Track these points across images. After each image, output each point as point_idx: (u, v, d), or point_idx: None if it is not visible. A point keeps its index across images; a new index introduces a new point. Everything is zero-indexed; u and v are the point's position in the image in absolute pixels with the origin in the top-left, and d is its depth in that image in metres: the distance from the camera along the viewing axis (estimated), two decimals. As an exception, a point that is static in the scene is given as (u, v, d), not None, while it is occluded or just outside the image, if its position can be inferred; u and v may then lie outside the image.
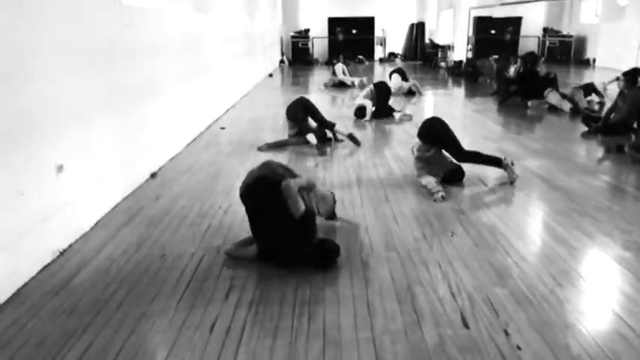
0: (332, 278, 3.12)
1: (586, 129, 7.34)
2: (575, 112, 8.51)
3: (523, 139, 7.00)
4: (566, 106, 8.67)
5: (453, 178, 5.04)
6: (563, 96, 8.88)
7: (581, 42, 20.27)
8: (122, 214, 4.23)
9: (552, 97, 8.97)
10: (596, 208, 4.31)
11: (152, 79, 5.47)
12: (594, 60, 18.84)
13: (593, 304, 2.85)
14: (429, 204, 4.44)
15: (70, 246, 3.62)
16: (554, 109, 8.97)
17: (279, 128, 7.73)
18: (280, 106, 10.26)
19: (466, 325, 2.63)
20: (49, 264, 3.37)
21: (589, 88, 9.56)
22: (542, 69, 10.50)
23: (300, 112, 6.69)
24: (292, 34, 21.87)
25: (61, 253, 3.51)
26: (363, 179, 5.16)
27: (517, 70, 11.32)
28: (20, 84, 3.16)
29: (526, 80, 10.12)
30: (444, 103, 11.09)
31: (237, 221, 4.02)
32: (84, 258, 3.45)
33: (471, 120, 8.39)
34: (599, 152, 6.41)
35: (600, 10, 18.88)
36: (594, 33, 19.26)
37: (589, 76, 14.51)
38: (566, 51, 20.31)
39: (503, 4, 14.41)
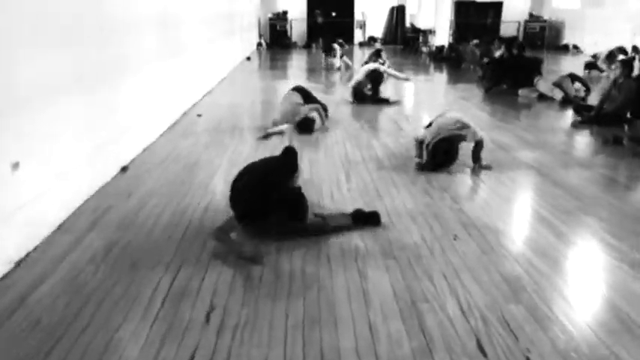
0: (327, 294, 2.78)
1: (578, 118, 7.11)
2: (566, 101, 8.27)
3: (514, 128, 6.72)
4: (558, 94, 8.42)
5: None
6: (554, 84, 8.62)
7: (558, 27, 20.12)
8: (88, 214, 3.80)
9: (543, 85, 8.71)
10: (601, 205, 4.05)
11: (123, 59, 5.00)
12: (574, 46, 18.70)
13: (618, 319, 2.56)
14: (425, 201, 4.12)
15: (27, 255, 3.20)
16: (543, 98, 8.71)
17: (257, 116, 7.33)
18: (259, 91, 9.85)
19: (483, 352, 2.31)
20: (2, 277, 2.95)
21: (573, 77, 9.31)
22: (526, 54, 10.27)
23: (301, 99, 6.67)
24: (270, 15, 21.23)
25: (18, 264, 3.09)
26: (352, 173, 4.81)
27: (501, 56, 11.06)
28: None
29: (513, 66, 9.86)
30: (427, 89, 10.76)
31: (219, 219, 3.63)
32: (44, 269, 3.03)
33: (457, 107, 8.06)
34: (594, 143, 6.16)
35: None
36: (573, 18, 19.13)
37: (572, 63, 14.33)
38: (544, 36, 20.17)
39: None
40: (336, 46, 13.42)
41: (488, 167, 4.98)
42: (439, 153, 4.85)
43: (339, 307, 2.65)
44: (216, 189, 4.34)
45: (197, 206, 3.94)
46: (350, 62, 13.30)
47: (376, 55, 11.12)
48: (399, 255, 3.21)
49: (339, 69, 12.89)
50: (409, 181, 4.63)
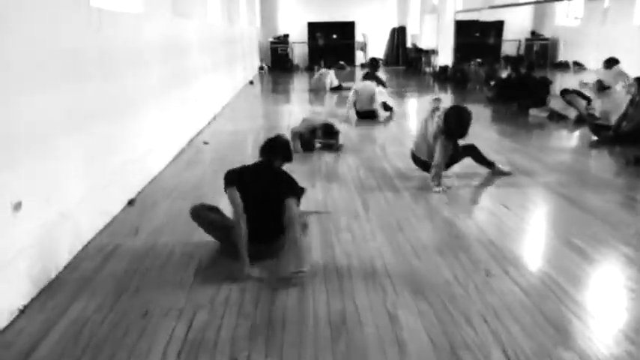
0: (357, 342, 2.53)
1: (595, 138, 6.91)
2: (580, 119, 8.07)
3: (531, 150, 6.51)
4: (572, 113, 8.22)
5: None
6: (567, 102, 8.42)
7: (557, 45, 20.07)
8: (95, 255, 3.56)
9: (555, 103, 8.50)
10: (634, 231, 3.82)
11: (126, 92, 4.82)
12: (576, 62, 18.60)
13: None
14: (450, 230, 3.90)
15: (32, 300, 2.96)
16: (553, 117, 8.51)
17: (261, 143, 7.11)
18: (262, 117, 9.66)
19: (540, 411, 2.06)
20: (4, 329, 2.71)
21: (577, 93, 9.08)
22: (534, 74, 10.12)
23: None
24: (271, 39, 21.24)
25: (21, 312, 2.86)
26: (369, 202, 4.59)
27: (508, 76, 10.92)
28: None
29: (521, 86, 9.71)
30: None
31: (233, 260, 3.40)
32: (48, 319, 2.79)
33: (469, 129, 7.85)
34: (615, 164, 5.95)
35: (583, 12, 18.71)
36: (575, 35, 19.08)
37: (576, 80, 14.18)
38: (546, 54, 20.10)
39: (491, 7, 14.00)
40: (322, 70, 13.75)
41: (507, 173, 4.87)
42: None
43: (372, 358, 2.41)
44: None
45: (206, 245, 3.69)
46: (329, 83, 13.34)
47: (373, 67, 10.98)
48: (430, 295, 2.97)
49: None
50: (429, 209, 4.41)
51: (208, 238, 3.69)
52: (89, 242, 3.75)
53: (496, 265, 3.35)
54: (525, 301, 2.90)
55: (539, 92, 9.18)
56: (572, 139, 7.46)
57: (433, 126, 5.09)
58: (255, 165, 3.56)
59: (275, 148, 3.58)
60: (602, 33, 16.92)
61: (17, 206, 2.92)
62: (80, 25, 3.89)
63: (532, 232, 4.00)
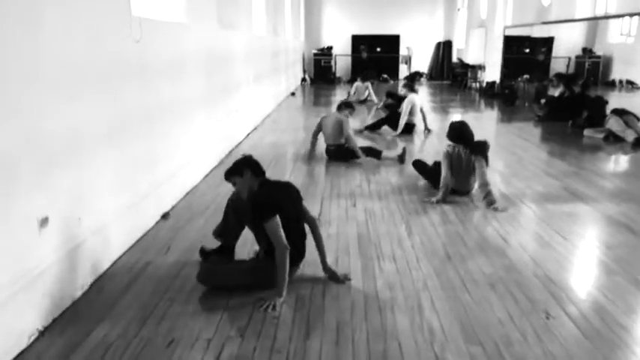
0: (402, 391, 2.26)
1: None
2: (639, 142, 7.57)
3: (588, 174, 6.09)
4: (630, 135, 7.73)
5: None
6: (626, 123, 7.92)
7: (608, 63, 19.26)
8: (123, 274, 3.39)
9: (614, 124, 7.99)
10: None
11: (165, 103, 4.68)
12: (622, 81, 17.81)
13: None
14: (503, 263, 3.57)
15: (53, 321, 2.80)
16: (609, 139, 8.02)
17: (301, 157, 6.92)
18: (302, 129, 9.45)
19: None
20: (24, 350, 2.55)
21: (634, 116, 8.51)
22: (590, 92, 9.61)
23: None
24: (315, 51, 21.16)
25: (41, 333, 2.70)
26: (413, 226, 4.31)
27: (561, 94, 10.45)
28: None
29: (577, 105, 9.24)
30: (479, 127, 10.21)
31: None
32: (68, 344, 2.61)
33: (521, 150, 7.47)
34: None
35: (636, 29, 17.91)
36: (623, 53, 18.28)
37: (630, 100, 13.52)
38: (597, 72, 19.31)
39: (544, 23, 13.51)
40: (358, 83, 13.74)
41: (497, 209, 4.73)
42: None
43: (419, 414, 2.13)
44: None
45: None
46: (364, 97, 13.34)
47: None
48: (484, 338, 2.67)
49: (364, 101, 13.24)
50: (479, 236, 4.10)
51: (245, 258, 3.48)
52: (118, 259, 3.59)
53: (555, 304, 3.02)
54: (589, 348, 2.58)
55: (595, 112, 8.69)
56: (631, 162, 6.99)
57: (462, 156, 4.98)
58: (283, 184, 3.40)
59: (243, 165, 3.21)
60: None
61: (44, 222, 2.78)
62: (121, 35, 3.76)
63: (593, 266, 3.63)
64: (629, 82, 17.88)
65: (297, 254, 3.21)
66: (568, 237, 4.14)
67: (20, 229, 2.60)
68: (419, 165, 5.72)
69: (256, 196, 3.13)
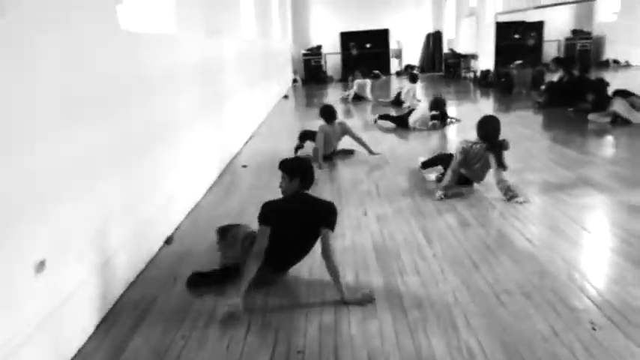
0: None
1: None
2: (648, 123, 7.38)
3: (602, 162, 5.89)
4: (638, 117, 7.52)
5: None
6: (632, 105, 7.72)
7: (599, 42, 19.13)
8: (127, 315, 3.11)
9: (619, 106, 7.77)
10: None
11: (161, 119, 4.43)
12: (615, 61, 17.72)
13: None
14: (535, 269, 3.35)
15: (58, 374, 2.56)
16: (616, 121, 7.80)
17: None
18: (296, 135, 9.12)
19: None
20: (26, 413, 2.31)
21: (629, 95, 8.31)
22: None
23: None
24: (304, 51, 20.90)
25: (46, 388, 2.45)
26: (431, 233, 4.08)
27: (560, 79, 10.25)
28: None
29: (578, 89, 9.04)
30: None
31: (284, 317, 2.94)
32: (76, 400, 2.38)
33: (526, 139, 7.25)
34: None
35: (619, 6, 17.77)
36: (612, 32, 18.21)
37: (623, 79, 13.32)
38: (588, 53, 19.17)
39: (537, 7, 13.29)
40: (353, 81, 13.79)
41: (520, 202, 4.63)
42: None
43: None
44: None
45: (253, 300, 3.20)
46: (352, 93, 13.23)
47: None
48: (528, 356, 2.44)
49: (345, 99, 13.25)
50: (502, 239, 3.88)
51: (255, 292, 3.24)
52: (121, 297, 3.32)
53: (599, 312, 2.80)
54: (649, 364, 2.36)
55: (598, 95, 8.48)
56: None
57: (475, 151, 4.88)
58: (291, 200, 3.27)
59: (301, 173, 3.27)
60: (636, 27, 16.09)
61: (41, 266, 2.53)
62: (113, 50, 3.51)
63: (629, 264, 3.39)
64: (615, 61, 17.81)
65: (274, 266, 3.29)
66: (594, 232, 3.93)
67: (15, 276, 2.35)
68: (427, 163, 5.59)
69: (270, 201, 3.26)
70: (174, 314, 3.07)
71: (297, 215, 3.20)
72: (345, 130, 6.79)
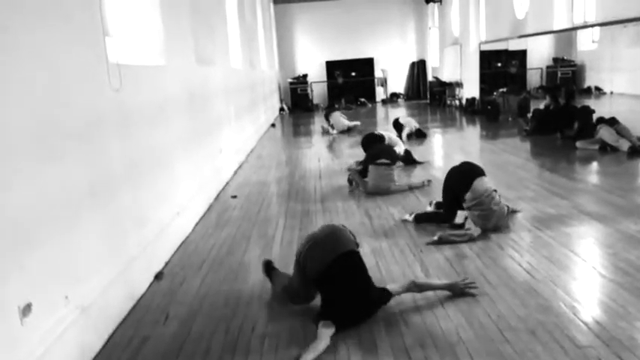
0: None
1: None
2: (635, 151, 7.41)
3: (595, 190, 5.88)
4: (625, 144, 7.57)
5: None
6: (618, 133, 7.78)
7: (580, 70, 19.45)
8: (119, 354, 2.99)
9: (606, 134, 7.83)
10: None
11: (148, 151, 4.35)
12: (596, 88, 17.99)
13: None
14: (536, 302, 3.25)
15: None
16: (605, 149, 7.85)
17: (287, 195, 6.60)
18: (287, 164, 9.09)
19: None
20: None
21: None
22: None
23: None
24: (290, 80, 21.02)
25: None
26: (429, 265, 3.99)
27: (547, 107, 10.36)
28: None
29: (565, 117, 9.12)
30: (472, 146, 10.05)
31: (282, 349, 2.82)
32: None
33: (516, 167, 7.25)
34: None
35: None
36: (592, 60, 18.52)
37: (607, 106, 13.47)
38: (574, 81, 19.48)
39: (521, 37, 13.51)
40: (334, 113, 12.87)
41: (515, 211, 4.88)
42: None
43: None
44: (274, 305, 3.52)
45: (251, 334, 3.11)
46: (330, 127, 12.46)
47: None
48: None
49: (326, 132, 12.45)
50: (502, 271, 3.80)
51: (252, 324, 3.12)
52: (110, 337, 3.18)
53: (608, 350, 2.71)
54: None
55: (584, 123, 8.56)
56: (634, 174, 6.80)
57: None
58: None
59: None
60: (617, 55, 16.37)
61: (26, 309, 2.40)
62: (98, 85, 3.43)
63: (634, 299, 3.33)
64: (597, 89, 18.07)
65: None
66: (594, 263, 3.87)
67: (-1, 323, 2.22)
68: (423, 218, 5.10)
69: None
70: (165, 356, 2.93)
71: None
72: None
